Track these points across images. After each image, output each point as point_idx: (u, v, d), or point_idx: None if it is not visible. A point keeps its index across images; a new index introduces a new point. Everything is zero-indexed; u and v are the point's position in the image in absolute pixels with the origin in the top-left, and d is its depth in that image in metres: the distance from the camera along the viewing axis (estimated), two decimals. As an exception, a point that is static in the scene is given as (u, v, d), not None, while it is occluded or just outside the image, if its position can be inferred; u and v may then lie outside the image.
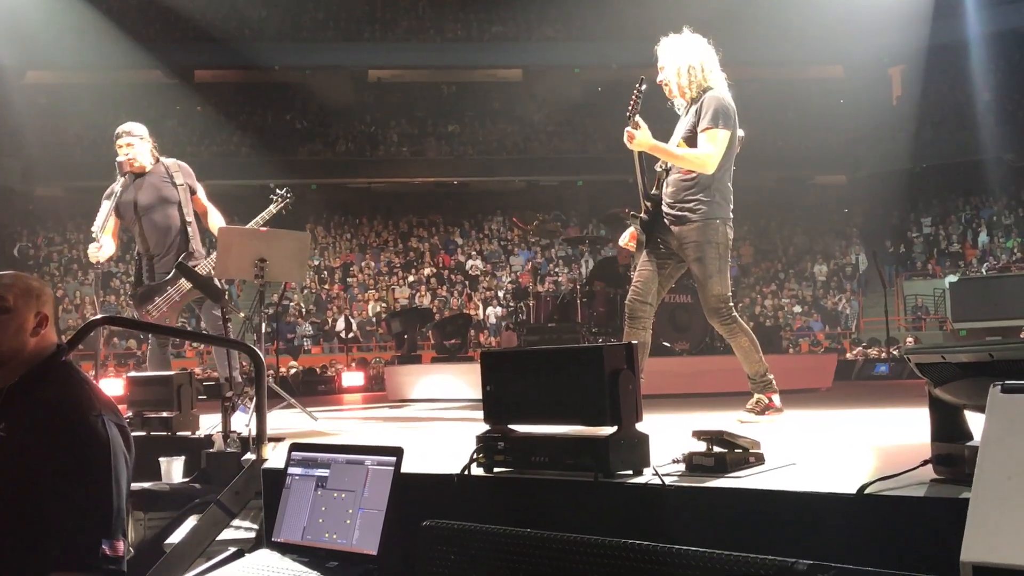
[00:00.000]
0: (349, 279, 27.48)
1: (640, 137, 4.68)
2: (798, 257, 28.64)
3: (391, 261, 28.34)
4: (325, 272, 27.56)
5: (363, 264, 28.12)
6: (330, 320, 25.33)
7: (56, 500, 2.42)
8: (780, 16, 26.65)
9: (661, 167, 4.87)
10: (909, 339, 19.00)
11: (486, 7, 31.45)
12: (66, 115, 28.23)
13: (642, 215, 4.88)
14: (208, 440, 4.51)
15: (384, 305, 25.71)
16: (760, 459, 2.75)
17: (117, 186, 6.18)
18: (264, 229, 6.00)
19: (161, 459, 4.41)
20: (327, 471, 2.88)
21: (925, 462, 2.28)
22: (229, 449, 4.27)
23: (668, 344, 9.45)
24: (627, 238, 5.11)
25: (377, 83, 32.35)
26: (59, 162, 27.47)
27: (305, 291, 25.85)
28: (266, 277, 5.76)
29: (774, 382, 4.75)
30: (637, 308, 4.80)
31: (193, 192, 6.28)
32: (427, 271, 27.69)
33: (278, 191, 6.25)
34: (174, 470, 4.38)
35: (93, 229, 6.18)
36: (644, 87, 4.75)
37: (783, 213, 29.82)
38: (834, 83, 30.40)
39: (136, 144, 6.20)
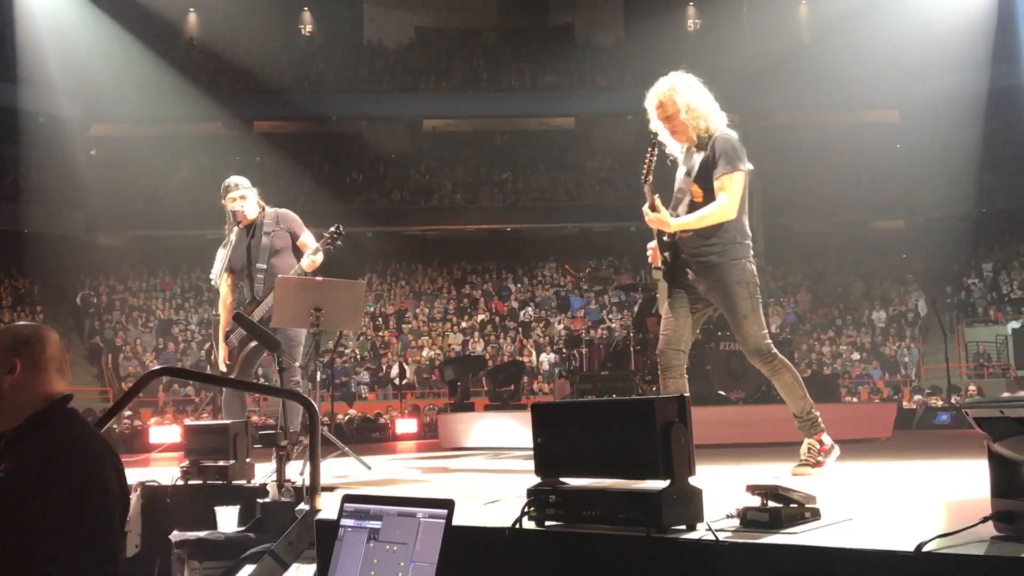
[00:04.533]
0: (404, 325, 27.64)
1: (661, 219, 4.66)
2: (856, 303, 28.26)
3: (445, 308, 28.46)
4: (380, 319, 27.75)
5: (417, 311, 28.28)
6: (385, 367, 25.46)
7: (51, 543, 2.50)
8: (835, 61, 26.56)
9: (671, 212, 4.80)
10: (971, 387, 18.58)
11: (539, 57, 31.79)
12: (128, 166, 28.91)
13: (660, 266, 4.82)
14: (263, 489, 4.54)
15: (438, 352, 25.78)
16: (816, 514, 2.71)
17: (233, 236, 6.39)
18: (319, 279, 6.09)
19: (216, 508, 4.45)
20: (379, 523, 2.88)
21: (985, 519, 2.23)
22: (284, 499, 4.30)
23: (724, 392, 9.36)
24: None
25: (432, 132, 32.74)
26: (121, 212, 28.10)
27: (360, 338, 26.03)
28: (321, 326, 5.83)
29: (820, 419, 4.67)
30: (671, 356, 4.73)
31: (297, 237, 6.46)
32: (481, 317, 27.77)
33: (331, 228, 6.33)
34: (229, 519, 4.41)
35: (212, 277, 6.39)
36: (658, 148, 4.75)
37: (840, 259, 29.48)
38: (890, 127, 30.14)
39: (248, 196, 6.41)
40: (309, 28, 32.89)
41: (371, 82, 31.52)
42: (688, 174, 4.78)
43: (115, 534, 2.62)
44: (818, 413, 4.67)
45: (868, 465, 5.55)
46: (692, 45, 30.43)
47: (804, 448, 4.64)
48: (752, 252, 4.74)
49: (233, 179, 6.51)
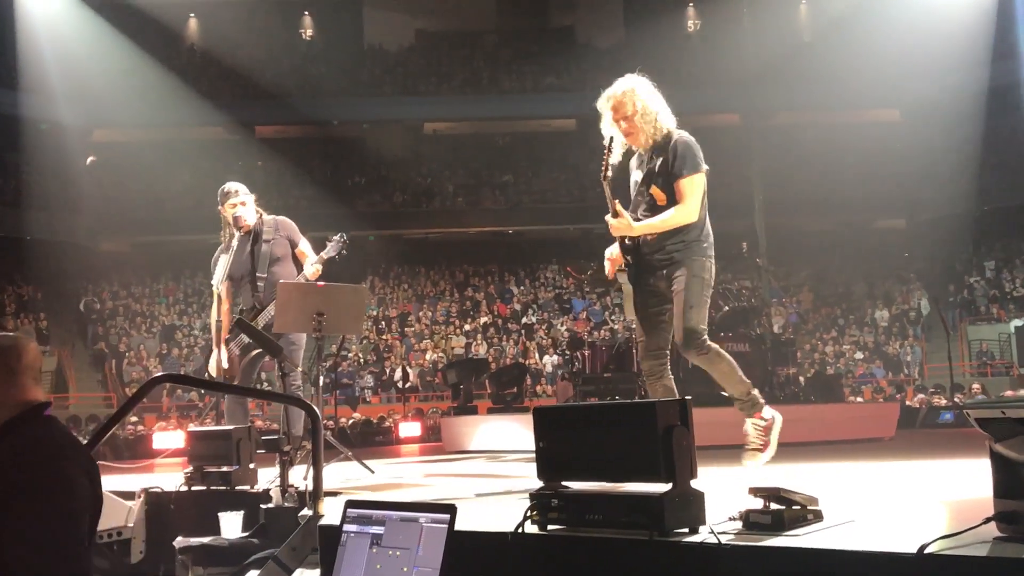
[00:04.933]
0: (406, 328, 27.64)
1: (624, 224, 4.64)
2: (858, 303, 28.25)
3: (447, 311, 28.46)
4: (383, 322, 27.75)
5: (420, 314, 28.29)
6: (388, 370, 25.45)
7: (15, 542, 2.53)
8: (835, 60, 26.55)
9: (631, 215, 4.76)
10: (975, 385, 18.57)
11: (539, 59, 31.79)
12: (130, 171, 28.91)
13: (624, 268, 4.81)
14: (266, 495, 4.54)
15: (441, 355, 25.78)
16: (818, 516, 2.71)
17: (235, 242, 6.34)
18: (322, 284, 6.07)
19: (220, 514, 4.45)
20: (382, 528, 2.88)
21: (988, 519, 2.23)
22: (287, 504, 4.31)
23: (726, 393, 9.33)
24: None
25: (433, 135, 32.73)
26: (123, 218, 28.12)
27: (363, 341, 26.03)
28: (324, 331, 5.81)
29: (759, 395, 4.69)
30: (651, 361, 4.79)
31: (296, 245, 6.42)
32: (483, 320, 27.77)
33: (335, 236, 6.31)
34: (233, 525, 4.41)
35: (214, 283, 6.34)
36: (613, 147, 4.73)
37: (842, 258, 29.47)
38: (891, 127, 30.11)
39: (247, 202, 6.36)
40: (310, 32, 32.89)
41: (372, 85, 31.53)
42: (647, 176, 4.76)
43: (82, 535, 2.65)
44: (756, 391, 4.71)
45: (871, 465, 5.54)
46: (692, 46, 30.43)
47: (749, 428, 4.67)
48: (713, 252, 4.74)
49: (231, 185, 6.44)
